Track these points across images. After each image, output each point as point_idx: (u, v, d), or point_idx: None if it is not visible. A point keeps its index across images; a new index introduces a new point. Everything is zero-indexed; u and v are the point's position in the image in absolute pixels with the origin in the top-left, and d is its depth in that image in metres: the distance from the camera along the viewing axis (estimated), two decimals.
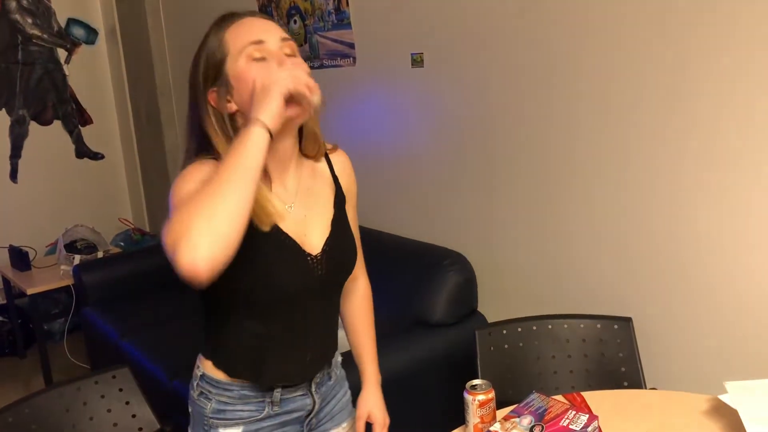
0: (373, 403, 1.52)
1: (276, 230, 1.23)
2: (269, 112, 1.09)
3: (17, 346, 3.86)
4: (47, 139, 4.28)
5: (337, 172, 1.39)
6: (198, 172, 1.16)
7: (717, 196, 1.81)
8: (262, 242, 1.20)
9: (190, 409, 1.40)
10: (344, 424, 1.50)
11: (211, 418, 1.33)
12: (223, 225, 1.02)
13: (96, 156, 4.49)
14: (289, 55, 1.19)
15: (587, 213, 2.11)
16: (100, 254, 3.66)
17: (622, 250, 2.05)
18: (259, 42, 1.18)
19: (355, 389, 1.56)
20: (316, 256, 1.29)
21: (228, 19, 1.22)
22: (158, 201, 4.35)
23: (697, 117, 1.80)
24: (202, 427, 1.35)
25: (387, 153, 2.76)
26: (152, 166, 4.33)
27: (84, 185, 4.42)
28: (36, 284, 3.43)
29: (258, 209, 1.17)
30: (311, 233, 1.29)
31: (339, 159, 1.40)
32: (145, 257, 3.58)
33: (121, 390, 1.84)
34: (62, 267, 3.56)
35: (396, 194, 2.79)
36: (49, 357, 3.56)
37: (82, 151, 4.44)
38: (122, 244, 4.09)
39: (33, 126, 4.23)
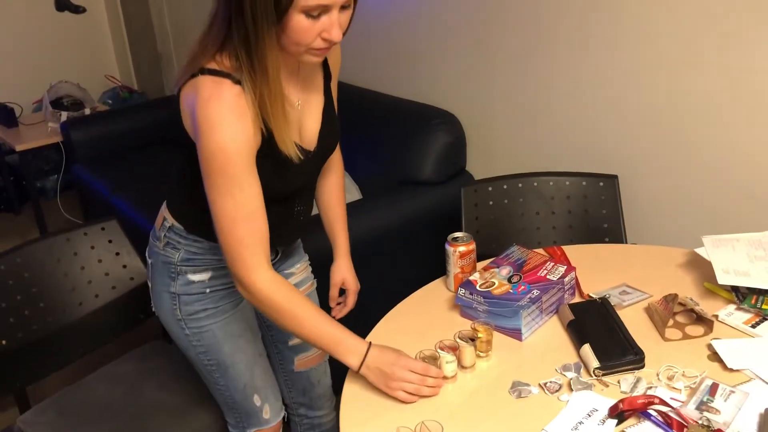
0: (345, 270, 1.61)
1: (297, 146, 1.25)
2: (368, 378, 1.22)
3: (12, 203, 3.89)
4: None
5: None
6: (235, 121, 1.12)
7: (705, 56, 1.75)
8: (276, 155, 1.22)
9: (149, 260, 1.43)
10: (297, 265, 1.57)
11: (179, 265, 1.37)
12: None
13: (77, 9, 4.29)
14: (344, 7, 1.12)
15: (577, 71, 2.06)
16: (87, 111, 3.60)
17: (610, 109, 2.01)
18: (328, 8, 1.09)
19: (324, 253, 1.60)
20: (311, 151, 1.31)
21: None
22: (145, 58, 4.22)
23: None
24: (168, 275, 1.38)
25: (376, 10, 2.65)
26: (137, 22, 4.16)
27: (67, 40, 4.27)
28: (24, 141, 3.40)
29: (286, 144, 1.20)
30: (307, 125, 1.31)
31: None
32: (134, 114, 3.54)
33: (110, 241, 1.87)
34: (50, 124, 3.51)
35: (385, 52, 2.70)
36: (44, 213, 3.60)
37: (62, 3, 4.24)
38: (110, 101, 4.02)
39: None
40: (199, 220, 1.29)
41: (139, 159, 3.27)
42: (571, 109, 2.12)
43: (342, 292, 1.63)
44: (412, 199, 2.35)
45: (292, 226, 1.43)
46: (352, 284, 1.62)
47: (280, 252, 1.48)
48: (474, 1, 2.29)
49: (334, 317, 1.53)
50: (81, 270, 1.82)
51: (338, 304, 1.62)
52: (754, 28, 1.65)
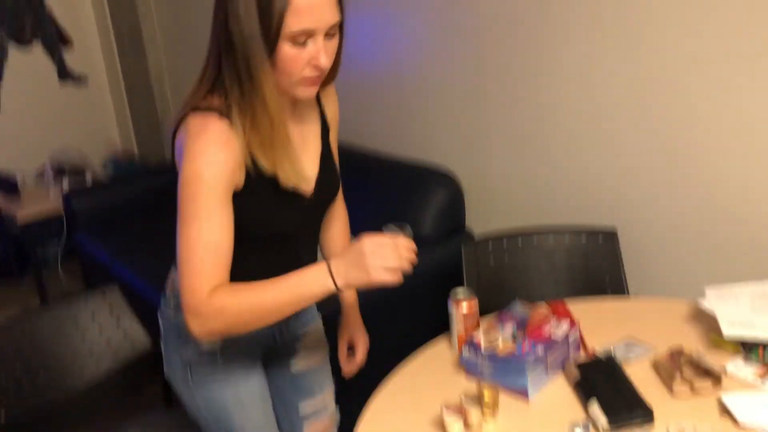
0: (354, 325, 1.59)
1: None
2: (350, 284, 1.13)
3: (13, 271, 3.88)
4: (29, 62, 4.16)
5: (323, 99, 1.39)
6: (217, 151, 1.13)
7: (702, 105, 1.78)
8: (269, 190, 1.22)
9: (162, 324, 1.42)
10: (311, 325, 1.54)
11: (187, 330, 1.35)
12: (246, 331, 1.18)
13: (79, 78, 4.40)
14: (330, 35, 1.15)
15: (573, 125, 2.09)
16: (88, 178, 3.63)
17: (608, 161, 2.03)
18: (311, 32, 1.12)
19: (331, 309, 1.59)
20: (309, 194, 1.31)
21: None
22: (146, 123, 4.28)
23: (687, 23, 1.75)
24: (178, 341, 1.37)
25: (371, 69, 2.71)
26: (137, 87, 4.24)
27: (69, 109, 4.34)
28: (26, 210, 3.43)
29: (290, 173, 1.21)
30: (306, 174, 1.30)
31: (325, 89, 1.38)
32: (134, 182, 3.57)
33: (111, 308, 1.86)
34: (51, 192, 3.54)
35: (382, 111, 2.75)
36: (45, 282, 3.59)
37: (65, 73, 4.33)
38: (111, 168, 4.06)
39: (14, 51, 4.11)
40: None
41: (139, 226, 3.28)
42: (568, 161, 2.14)
43: (351, 348, 1.59)
44: None
45: None
46: (362, 339, 1.58)
47: None
48: (467, 58, 2.34)
49: (344, 376, 1.51)
50: (82, 338, 1.80)
51: (348, 361, 1.58)
52: (752, 79, 1.68)
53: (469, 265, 1.92)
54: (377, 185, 2.54)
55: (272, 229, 1.29)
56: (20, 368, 1.68)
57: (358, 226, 1.63)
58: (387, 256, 1.12)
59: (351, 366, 1.58)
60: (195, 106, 1.17)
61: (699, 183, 1.84)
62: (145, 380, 1.86)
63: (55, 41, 4.26)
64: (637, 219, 2.00)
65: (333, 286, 1.13)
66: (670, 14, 1.78)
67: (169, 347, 1.40)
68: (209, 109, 1.16)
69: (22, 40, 4.15)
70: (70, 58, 4.31)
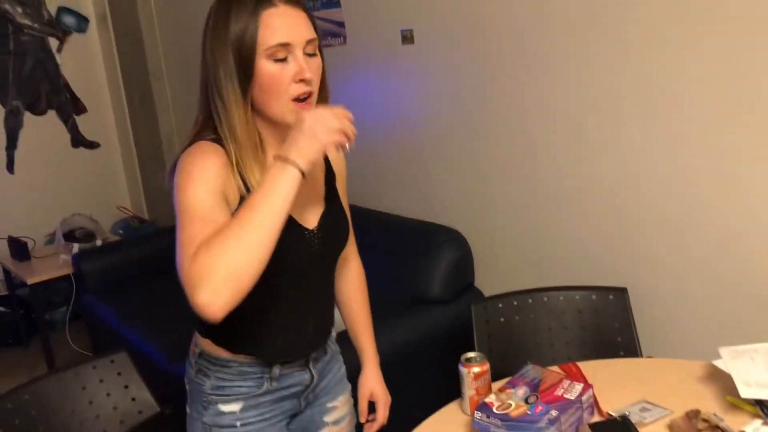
0: (374, 382, 1.56)
1: None
2: (308, 158, 1.09)
3: (21, 336, 3.87)
4: (42, 130, 4.26)
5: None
6: (205, 158, 1.16)
7: (713, 166, 1.79)
8: None
9: (187, 388, 1.40)
10: (340, 398, 1.51)
11: (210, 394, 1.34)
12: (248, 274, 1.04)
13: (92, 145, 4.48)
14: (310, 55, 1.18)
15: (581, 185, 2.10)
16: (98, 242, 3.66)
17: (616, 221, 2.04)
18: (287, 45, 1.15)
19: (351, 367, 1.57)
20: (312, 230, 1.31)
21: (263, 2, 1.15)
22: (156, 187, 4.34)
23: (694, 88, 1.79)
24: (201, 404, 1.35)
25: (379, 131, 2.75)
26: (148, 152, 4.32)
27: (81, 174, 4.42)
28: (36, 274, 3.44)
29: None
30: (307, 209, 1.32)
31: None
32: (144, 244, 3.59)
33: (119, 374, 1.85)
34: (62, 256, 3.57)
35: (389, 172, 2.78)
36: (52, 346, 3.58)
37: (78, 140, 4.43)
38: (121, 231, 4.09)
39: (28, 116, 4.22)
40: (228, 331, 1.27)
41: (149, 288, 3.28)
42: (577, 220, 2.15)
43: (372, 405, 1.55)
44: (421, 318, 2.34)
45: (297, 332, 1.36)
46: (382, 396, 1.55)
47: (314, 375, 1.41)
48: (475, 119, 2.38)
49: None
50: (89, 404, 1.78)
51: (368, 420, 1.54)
52: (760, 140, 1.70)
53: (480, 325, 1.90)
54: (387, 245, 2.55)
55: (274, 265, 1.19)
56: None
57: (368, 287, 1.62)
58: (328, 120, 1.10)
59: (372, 425, 1.54)
60: (187, 145, 1.21)
61: (711, 241, 1.84)
62: None
63: (69, 110, 4.36)
64: (648, 278, 1.99)
65: (296, 169, 1.08)
66: (689, 78, 1.82)
67: (192, 409, 1.38)
68: (201, 138, 1.20)
69: (38, 110, 4.26)
70: (84, 125, 4.41)
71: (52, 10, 4.22)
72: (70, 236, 3.65)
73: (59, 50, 4.27)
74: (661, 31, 1.81)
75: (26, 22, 4.13)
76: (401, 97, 2.62)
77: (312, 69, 1.18)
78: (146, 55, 4.00)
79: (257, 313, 1.29)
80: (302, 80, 1.16)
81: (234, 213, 1.14)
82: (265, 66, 1.15)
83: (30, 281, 3.38)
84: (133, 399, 1.84)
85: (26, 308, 3.91)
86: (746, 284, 1.79)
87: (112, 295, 3.23)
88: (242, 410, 1.35)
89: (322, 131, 1.09)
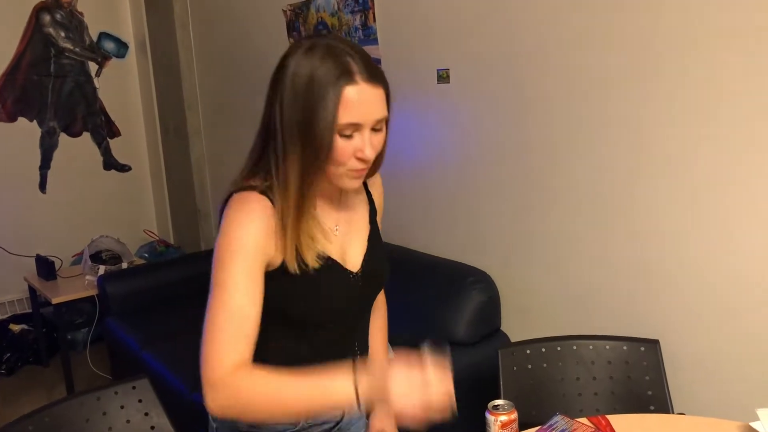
0: (386, 419, 1.54)
1: (324, 257, 1.25)
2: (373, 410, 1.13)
3: (41, 354, 3.89)
4: (76, 151, 4.34)
5: (369, 187, 1.43)
6: (249, 222, 1.16)
7: (748, 215, 1.76)
8: (311, 271, 1.22)
9: (215, 425, 1.38)
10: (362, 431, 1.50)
11: (245, 428, 1.32)
12: (262, 419, 1.17)
13: (123, 168, 4.55)
14: (377, 130, 1.18)
15: (614, 233, 2.07)
16: (124, 265, 3.68)
17: (649, 271, 2.01)
18: (357, 125, 1.15)
19: None
20: (356, 273, 1.31)
21: (346, 77, 1.12)
22: (183, 213, 4.38)
23: (729, 136, 1.76)
24: None
25: (412, 169, 2.75)
26: (178, 179, 4.37)
27: (111, 197, 4.47)
28: (61, 293, 3.46)
29: (307, 253, 1.20)
30: (351, 250, 1.32)
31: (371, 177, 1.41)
32: (169, 269, 3.60)
33: (140, 401, 1.83)
34: (87, 277, 3.59)
35: (420, 211, 2.77)
36: (72, 366, 3.58)
37: (110, 163, 4.50)
38: (146, 255, 4.12)
39: (62, 137, 4.30)
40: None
41: (172, 314, 3.29)
42: (610, 269, 2.11)
43: None
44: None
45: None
46: None
47: (344, 411, 1.40)
48: (503, 160, 2.37)
49: None
50: (109, 431, 1.77)
51: None
52: None
53: (506, 370, 1.87)
54: (413, 283, 2.53)
55: (319, 312, 1.27)
56: None
57: (392, 325, 1.61)
58: (413, 397, 1.05)
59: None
60: (239, 187, 1.21)
61: (749, 295, 1.80)
62: None
63: (104, 133, 4.44)
64: (682, 331, 1.94)
65: (355, 405, 1.06)
66: (729, 123, 1.80)
67: None
68: (251, 187, 1.20)
69: (73, 132, 4.34)
70: (116, 149, 4.48)
71: (94, 35, 4.32)
72: (96, 257, 3.68)
73: (98, 74, 4.37)
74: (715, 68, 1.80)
75: (68, 46, 4.24)
76: (435, 135, 2.63)
77: (375, 146, 1.18)
78: (182, 83, 4.07)
79: (296, 358, 1.26)
80: (361, 158, 1.17)
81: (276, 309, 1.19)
82: (338, 144, 1.15)
83: (54, 300, 3.40)
84: (153, 427, 1.83)
85: (49, 327, 3.93)
86: None
87: (135, 319, 3.23)
88: None
89: (399, 402, 1.05)
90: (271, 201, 1.18)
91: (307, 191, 1.18)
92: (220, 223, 1.22)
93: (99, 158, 4.44)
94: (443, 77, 2.52)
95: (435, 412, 1.07)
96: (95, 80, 4.36)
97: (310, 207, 1.21)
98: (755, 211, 1.75)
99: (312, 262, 1.21)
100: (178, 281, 3.50)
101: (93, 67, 4.35)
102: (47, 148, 4.26)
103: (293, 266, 1.19)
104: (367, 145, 1.16)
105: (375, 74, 1.16)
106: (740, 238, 1.79)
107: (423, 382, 1.06)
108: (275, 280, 1.19)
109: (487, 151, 2.43)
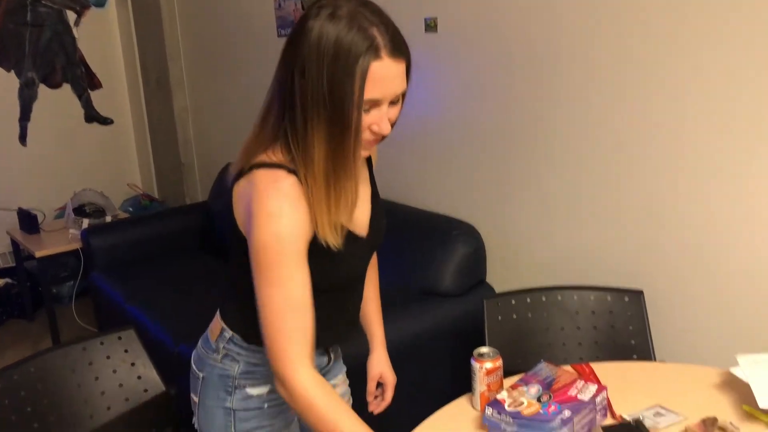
0: (384, 364, 1.58)
1: (346, 230, 1.24)
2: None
3: (26, 308, 3.88)
4: (56, 103, 4.25)
5: None
6: (292, 210, 1.14)
7: (730, 168, 1.76)
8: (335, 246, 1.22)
9: (201, 374, 1.38)
10: (339, 376, 1.52)
11: (238, 378, 1.33)
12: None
13: (105, 120, 4.47)
14: (394, 102, 1.16)
15: (600, 185, 2.07)
16: (108, 219, 3.65)
17: (634, 223, 2.01)
18: (377, 101, 1.12)
19: (362, 352, 1.56)
20: (366, 238, 1.31)
21: (373, 52, 1.08)
22: (167, 167, 4.33)
23: (712, 91, 1.75)
24: (224, 389, 1.33)
25: (398, 122, 2.72)
26: (161, 132, 4.30)
27: (93, 149, 4.41)
28: (44, 247, 3.43)
29: (327, 230, 1.19)
30: (358, 213, 1.31)
31: None
32: (154, 223, 3.58)
33: (126, 351, 1.83)
34: (71, 231, 3.56)
35: (406, 164, 2.75)
36: (58, 320, 3.57)
37: (92, 116, 4.41)
38: (130, 209, 4.09)
39: (42, 89, 4.20)
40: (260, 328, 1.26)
41: (157, 268, 3.28)
42: (593, 219, 2.12)
43: (379, 385, 1.59)
44: (431, 312, 2.32)
45: (345, 323, 1.40)
46: (390, 377, 1.58)
47: (332, 357, 1.44)
48: (494, 114, 2.35)
49: (371, 412, 1.47)
50: (95, 380, 1.77)
51: (375, 397, 1.58)
52: None
53: (491, 320, 1.88)
54: (400, 236, 2.53)
55: (334, 281, 1.28)
56: (31, 409, 1.64)
57: (379, 276, 1.61)
58: None
59: (379, 404, 1.57)
60: (261, 161, 1.16)
61: (732, 247, 1.81)
62: (156, 427, 1.82)
63: (84, 85, 4.35)
64: (665, 281, 1.96)
65: None
66: (718, 77, 1.79)
67: (209, 398, 1.35)
68: (274, 165, 1.15)
69: (53, 83, 4.24)
70: (97, 101, 4.40)
71: None
72: (80, 211, 3.64)
73: (77, 24, 4.25)
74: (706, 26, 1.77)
75: None
76: (422, 87, 2.59)
77: (392, 119, 1.17)
78: (164, 33, 3.98)
79: None
80: (377, 132, 1.15)
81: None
82: (357, 118, 1.12)
83: (38, 254, 3.37)
84: (139, 377, 1.83)
85: (33, 281, 3.91)
86: (764, 290, 1.77)
87: (120, 273, 3.22)
88: (269, 392, 1.34)
89: None
90: (298, 178, 1.15)
91: (335, 167, 1.15)
92: (231, 198, 1.19)
93: (80, 110, 4.36)
94: (431, 26, 2.48)
95: None
96: (74, 30, 4.25)
97: (337, 182, 1.17)
98: (745, 165, 1.75)
99: (339, 239, 1.21)
100: (163, 235, 3.48)
101: (71, 16, 4.23)
102: (26, 100, 4.17)
103: (325, 243, 1.19)
104: (384, 120, 1.14)
105: (399, 46, 1.13)
106: (724, 190, 1.79)
107: None
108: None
109: (474, 102, 2.41)
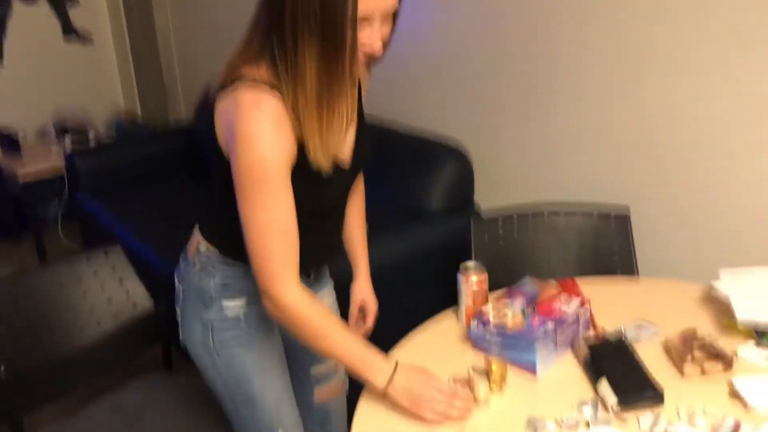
0: (367, 291, 1.61)
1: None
2: (396, 400, 1.19)
3: (11, 229, 3.86)
4: (33, 20, 4.10)
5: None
6: (273, 131, 1.11)
7: (718, 85, 1.75)
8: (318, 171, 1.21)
9: (181, 287, 1.39)
10: (325, 290, 1.54)
11: (214, 291, 1.34)
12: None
13: (84, 36, 4.34)
14: (385, 22, 1.13)
15: (587, 103, 2.05)
16: (91, 138, 3.59)
17: (619, 138, 2.01)
18: (370, 18, 1.08)
19: (345, 276, 1.58)
20: (349, 167, 1.30)
21: None
22: (150, 89, 4.24)
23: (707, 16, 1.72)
24: (201, 303, 1.35)
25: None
26: (143, 50, 4.19)
27: (74, 69, 4.29)
28: (27, 167, 3.39)
29: (319, 154, 1.18)
30: (346, 141, 1.29)
31: None
32: (139, 145, 3.53)
33: (114, 268, 1.84)
34: (53, 148, 3.51)
35: (395, 83, 2.71)
36: (44, 241, 3.57)
37: (70, 30, 4.27)
38: (114, 131, 4.03)
39: (17, 5, 4.05)
40: (237, 242, 1.24)
41: (142, 189, 3.26)
42: (580, 139, 2.11)
43: (362, 311, 1.62)
44: (419, 231, 2.32)
45: (327, 246, 1.41)
46: (372, 305, 1.61)
47: (312, 275, 1.45)
48: (481, 33, 2.30)
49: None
50: (83, 297, 1.78)
51: (357, 321, 1.62)
52: (761, 49, 1.65)
53: (478, 240, 1.90)
54: (387, 156, 2.51)
55: (315, 205, 1.27)
56: (20, 324, 1.66)
57: (367, 197, 1.61)
58: (440, 403, 1.18)
59: (360, 329, 1.60)
60: (243, 76, 1.13)
61: (718, 165, 1.82)
62: (145, 342, 1.85)
63: None
64: (650, 199, 1.97)
65: (381, 387, 1.20)
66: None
67: (188, 310, 1.38)
68: (259, 81, 1.12)
69: None
70: (76, 15, 4.25)
71: None
72: (61, 130, 3.58)
73: None
74: None
75: None
76: (414, 6, 2.52)
77: (384, 37, 1.14)
78: None
79: None
80: (368, 50, 1.12)
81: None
82: (351, 36, 1.08)
83: (21, 174, 3.34)
84: (127, 293, 1.84)
85: (17, 203, 3.87)
86: (749, 211, 1.78)
87: (106, 195, 3.20)
88: (246, 305, 1.35)
89: (426, 409, 1.18)
90: (282, 97, 1.12)
91: (328, 86, 1.12)
92: (213, 114, 1.17)
93: (58, 27, 4.22)
94: None
95: (456, 413, 1.19)
96: None
97: (330, 102, 1.15)
98: (730, 85, 1.73)
99: (331, 162, 1.20)
100: (148, 158, 3.45)
101: None
102: (1, 16, 4.02)
103: (316, 166, 1.18)
104: (376, 37, 1.11)
105: None
106: (713, 104, 1.78)
107: (450, 390, 1.20)
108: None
109: (462, 22, 2.35)
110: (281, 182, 1.14)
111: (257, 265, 1.18)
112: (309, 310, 1.20)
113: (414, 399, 1.18)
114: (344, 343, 1.21)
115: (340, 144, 1.25)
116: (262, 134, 1.10)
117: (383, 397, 1.20)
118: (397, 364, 1.21)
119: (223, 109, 1.16)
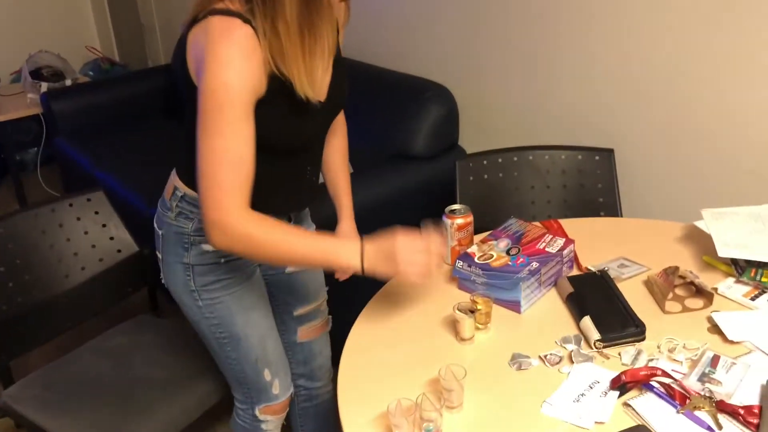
0: (350, 233, 1.59)
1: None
2: (374, 271, 1.17)
3: None
4: None
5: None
6: (242, 51, 1.09)
7: (703, 28, 1.73)
8: (288, 100, 1.18)
9: (160, 231, 1.38)
10: (303, 225, 1.53)
11: (192, 235, 1.33)
12: (262, 260, 1.25)
13: None
14: None
15: (575, 48, 2.03)
16: (68, 82, 3.51)
17: (605, 81, 1.99)
18: None
19: (331, 220, 1.57)
20: (324, 102, 1.28)
21: None
22: (126, 28, 4.13)
23: None
24: (181, 246, 1.34)
25: None
26: None
27: (47, 10, 4.16)
28: (2, 112, 3.32)
29: (305, 85, 1.15)
30: (323, 79, 1.26)
31: None
32: (116, 87, 3.45)
33: (96, 213, 1.83)
34: (29, 95, 3.43)
35: (380, 25, 2.65)
36: (25, 188, 3.52)
37: None
38: (91, 73, 3.93)
39: None
40: None
41: (121, 132, 3.20)
42: (566, 82, 2.09)
43: None
44: (404, 174, 2.32)
45: (304, 189, 1.40)
46: None
47: (292, 218, 1.44)
48: None
49: (337, 279, 1.50)
50: (67, 241, 1.77)
51: None
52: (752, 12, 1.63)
53: (463, 181, 1.89)
54: (372, 97, 2.48)
55: (290, 142, 1.25)
56: (4, 266, 1.65)
57: (351, 140, 1.59)
58: (418, 258, 1.16)
59: (344, 272, 1.58)
60: (214, 8, 1.11)
61: (703, 107, 1.81)
62: (131, 286, 1.85)
63: None
64: (634, 143, 1.97)
65: (359, 267, 1.17)
66: None
67: (169, 253, 1.37)
68: (230, 13, 1.10)
69: None
70: None
71: None
72: (37, 74, 3.49)
73: None
74: None
75: None
76: None
77: None
78: None
79: (263, 180, 1.23)
80: None
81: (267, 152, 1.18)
82: None
83: None
84: (111, 238, 1.83)
85: None
86: (733, 149, 1.79)
87: (85, 138, 3.14)
88: None
89: (405, 261, 1.15)
90: (254, 28, 1.09)
91: (309, 11, 1.10)
92: (185, 44, 1.14)
93: None
94: None
95: (434, 262, 1.19)
96: None
97: (311, 28, 1.12)
98: (720, 31, 1.71)
99: (314, 88, 1.17)
100: (126, 99, 3.37)
101: None
102: None
103: (304, 96, 1.16)
104: None
105: None
106: (697, 48, 1.76)
107: (424, 248, 1.18)
108: (256, 110, 1.15)
109: None
110: (242, 112, 1.11)
111: (204, 195, 1.12)
112: (257, 226, 1.14)
113: (393, 264, 1.16)
114: (304, 243, 1.18)
115: (325, 71, 1.22)
116: (230, 61, 1.08)
117: (363, 273, 1.18)
118: (362, 239, 1.19)
119: (194, 41, 1.14)
